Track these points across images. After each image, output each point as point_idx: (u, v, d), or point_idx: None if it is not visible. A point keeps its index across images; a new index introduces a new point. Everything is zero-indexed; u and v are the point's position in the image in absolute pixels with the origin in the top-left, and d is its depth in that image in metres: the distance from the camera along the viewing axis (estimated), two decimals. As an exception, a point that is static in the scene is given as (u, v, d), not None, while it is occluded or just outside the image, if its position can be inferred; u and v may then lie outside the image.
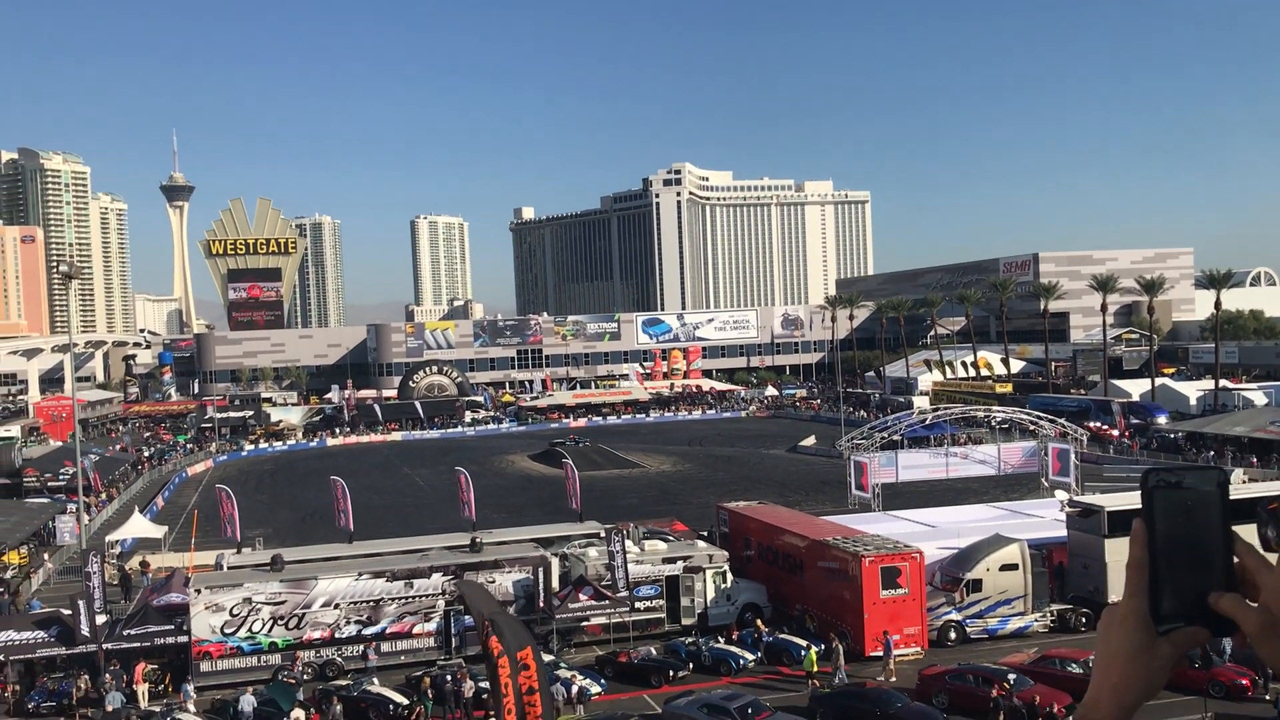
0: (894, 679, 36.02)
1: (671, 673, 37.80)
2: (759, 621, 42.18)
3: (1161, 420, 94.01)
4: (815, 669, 36.64)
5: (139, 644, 39.17)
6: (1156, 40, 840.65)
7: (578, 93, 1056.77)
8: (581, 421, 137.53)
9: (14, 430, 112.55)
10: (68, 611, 39.70)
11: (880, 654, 38.24)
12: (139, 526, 64.23)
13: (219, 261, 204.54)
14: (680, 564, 44.07)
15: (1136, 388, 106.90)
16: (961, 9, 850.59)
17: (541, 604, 41.62)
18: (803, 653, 37.80)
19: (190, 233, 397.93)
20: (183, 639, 39.28)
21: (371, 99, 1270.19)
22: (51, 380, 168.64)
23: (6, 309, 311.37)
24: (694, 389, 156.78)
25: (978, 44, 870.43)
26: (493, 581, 41.15)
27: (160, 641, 39.47)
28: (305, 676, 38.56)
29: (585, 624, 42.35)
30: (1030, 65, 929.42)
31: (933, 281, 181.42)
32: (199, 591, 39.78)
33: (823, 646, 39.34)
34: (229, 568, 44.37)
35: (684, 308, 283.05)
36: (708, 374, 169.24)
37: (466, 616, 40.35)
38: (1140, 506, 2.17)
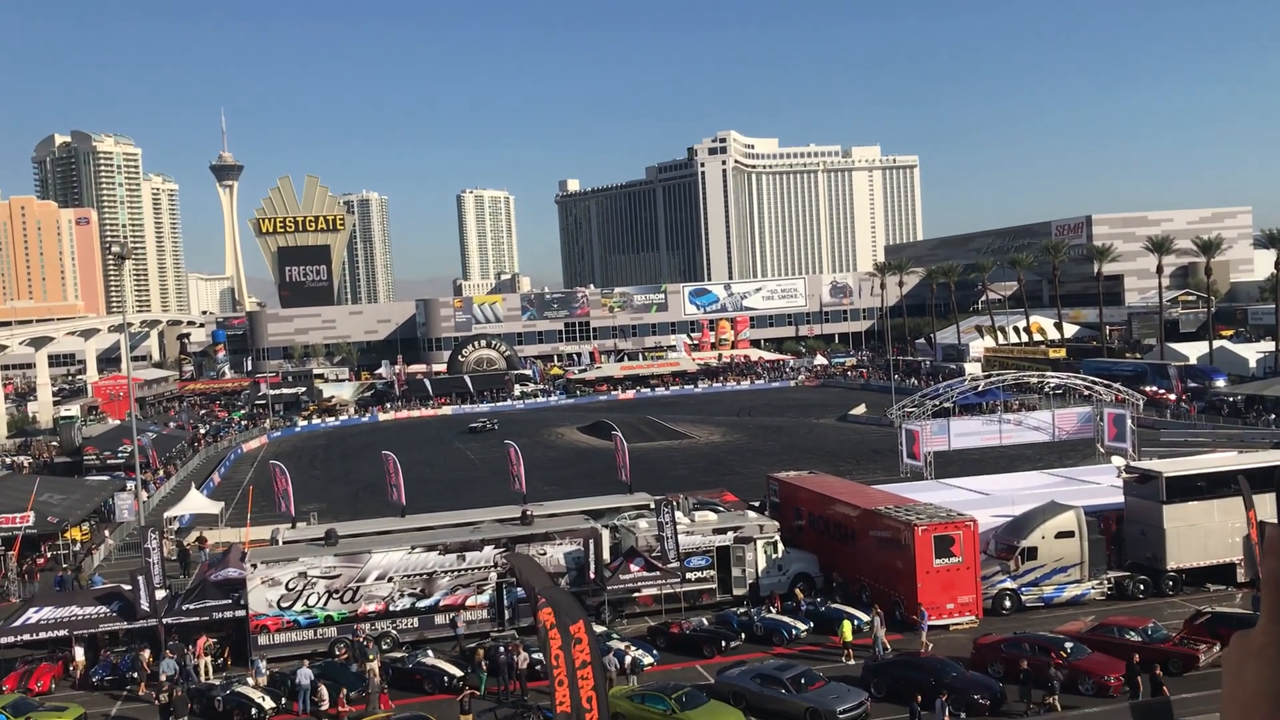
0: (928, 650, 35.67)
1: (724, 643, 37.77)
2: (797, 591, 41.99)
3: (1220, 384, 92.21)
4: (850, 639, 36.38)
5: (197, 618, 39.83)
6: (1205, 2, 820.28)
7: (621, 63, 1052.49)
8: (630, 393, 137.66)
9: (74, 409, 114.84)
10: (128, 587, 40.43)
11: (936, 622, 37.98)
12: (196, 502, 65.30)
13: (269, 240, 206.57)
14: (731, 534, 43.96)
15: (1194, 351, 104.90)
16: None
17: (593, 576, 41.72)
18: (843, 623, 37.55)
19: (240, 211, 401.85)
20: (240, 613, 39.86)
21: (416, 75, 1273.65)
22: (109, 360, 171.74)
23: (64, 290, 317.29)
24: (742, 359, 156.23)
25: (1023, 7, 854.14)
26: (544, 554, 41.29)
27: (218, 616, 40.10)
28: (369, 642, 38.97)
29: (637, 595, 42.42)
30: (1082, 23, 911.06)
31: (983, 246, 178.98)
32: (255, 566, 40.31)
33: (872, 617, 39.13)
34: (284, 542, 44.89)
35: (731, 277, 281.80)
36: (755, 344, 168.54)
37: (519, 589, 40.58)
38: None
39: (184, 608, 40.16)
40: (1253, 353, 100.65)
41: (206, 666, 37.94)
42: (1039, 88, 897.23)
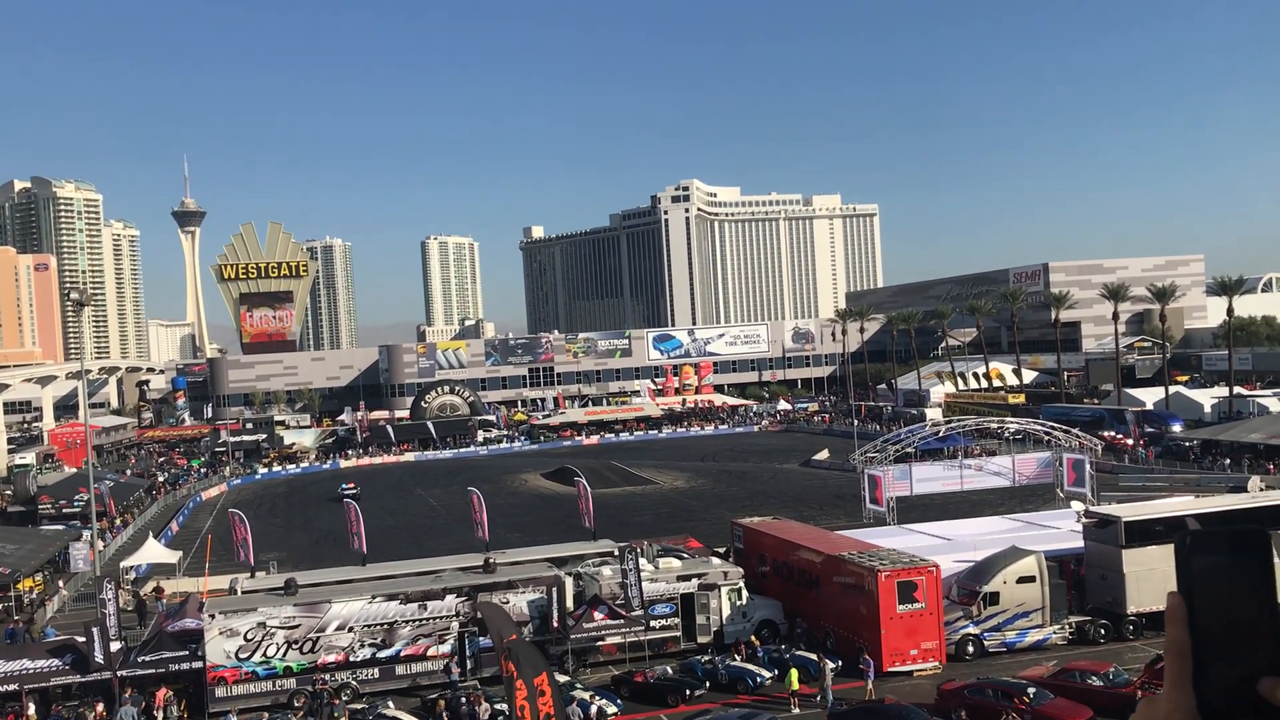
0: (872, 696, 35.64)
1: (688, 691, 37.56)
2: (753, 639, 41.84)
3: (1176, 428, 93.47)
4: (796, 688, 36.24)
5: (154, 670, 39.10)
6: (1163, 48, 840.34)
7: (585, 111, 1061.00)
8: (594, 439, 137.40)
9: (29, 457, 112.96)
10: (82, 639, 39.66)
11: (900, 668, 38.04)
12: (153, 552, 64.27)
13: (231, 286, 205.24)
14: (695, 581, 43.86)
15: (1150, 396, 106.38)
16: (967, 21, 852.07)
17: (556, 624, 41.43)
18: (790, 671, 37.33)
19: (202, 258, 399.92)
20: (198, 665, 39.21)
21: (380, 121, 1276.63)
22: (66, 407, 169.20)
23: (21, 336, 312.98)
24: (706, 404, 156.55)
25: (984, 55, 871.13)
26: (506, 602, 40.98)
27: (175, 668, 39.40)
28: (342, 699, 38.45)
29: (600, 643, 42.15)
30: (1037, 75, 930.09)
31: (943, 293, 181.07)
32: (213, 616, 39.72)
33: (839, 663, 39.10)
34: (243, 592, 44.30)
35: (694, 323, 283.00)
36: (719, 389, 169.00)
37: (481, 638, 40.24)
38: (1178, 566, 1.79)
39: (140, 659, 39.42)
40: (1208, 398, 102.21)
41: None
42: (996, 138, 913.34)
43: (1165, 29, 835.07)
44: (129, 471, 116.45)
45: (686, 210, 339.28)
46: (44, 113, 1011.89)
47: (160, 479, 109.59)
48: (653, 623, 42.53)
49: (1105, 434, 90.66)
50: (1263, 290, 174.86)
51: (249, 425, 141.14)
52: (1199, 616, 1.76)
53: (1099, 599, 42.47)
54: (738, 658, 39.95)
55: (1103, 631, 41.34)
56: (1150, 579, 41.38)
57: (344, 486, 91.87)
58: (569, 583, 43.53)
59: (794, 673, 36.76)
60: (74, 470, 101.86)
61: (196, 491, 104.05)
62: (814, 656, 39.21)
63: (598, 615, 41.73)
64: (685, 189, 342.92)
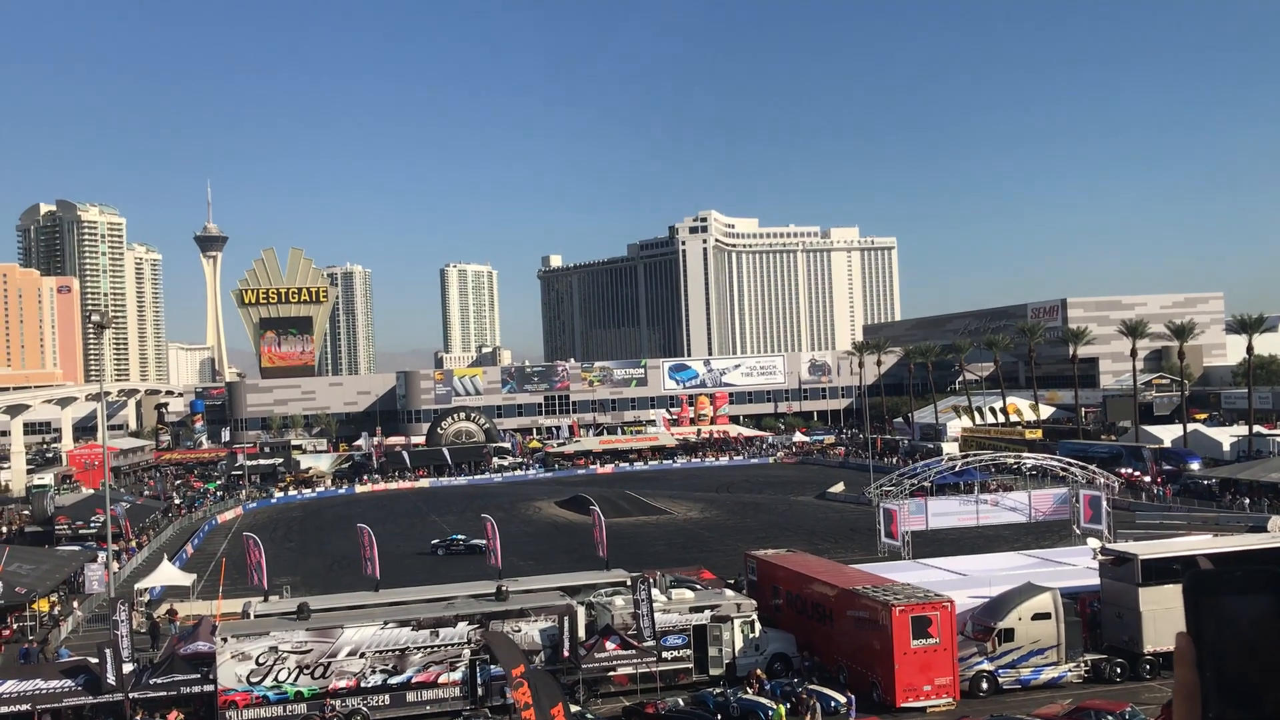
0: None
1: (699, 724, 37.32)
2: (759, 672, 41.40)
3: (1194, 466, 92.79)
4: None
5: (165, 693, 39.15)
6: (1186, 86, 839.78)
7: (605, 142, 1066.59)
8: (609, 468, 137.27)
9: (47, 478, 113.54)
10: (95, 660, 39.77)
11: (913, 704, 37.79)
12: (168, 574, 64.47)
13: (251, 311, 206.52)
14: (708, 613, 43.69)
15: (1168, 434, 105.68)
16: (985, 59, 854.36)
17: (567, 653, 41.32)
18: (778, 708, 37.02)
19: (223, 282, 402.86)
20: (209, 688, 39.23)
21: (402, 149, 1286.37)
22: (85, 428, 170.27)
23: (42, 358, 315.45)
24: (721, 435, 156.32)
25: (1005, 91, 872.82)
26: (518, 630, 40.91)
27: (186, 690, 39.43)
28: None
29: (612, 674, 41.98)
30: (1058, 112, 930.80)
31: (960, 327, 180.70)
32: (225, 640, 39.77)
33: (852, 698, 38.85)
34: (256, 616, 44.32)
35: (711, 354, 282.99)
36: (735, 420, 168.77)
37: (493, 666, 40.15)
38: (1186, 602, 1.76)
39: (151, 681, 39.47)
40: (1226, 436, 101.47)
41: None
42: (1015, 173, 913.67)
43: (1186, 68, 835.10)
44: (146, 493, 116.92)
45: (704, 241, 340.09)
46: (69, 136, 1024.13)
47: (177, 501, 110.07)
48: (665, 654, 42.34)
49: (1123, 471, 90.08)
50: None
51: (266, 449, 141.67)
52: (1208, 658, 1.74)
53: (1115, 637, 42.08)
54: (750, 690, 39.72)
55: (1119, 670, 40.95)
56: (1168, 618, 40.99)
57: (454, 538, 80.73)
58: (581, 612, 43.42)
59: (781, 709, 36.43)
60: (91, 491, 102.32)
61: (212, 514, 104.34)
62: (830, 691, 38.94)
63: (609, 645, 41.60)
64: (703, 220, 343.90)
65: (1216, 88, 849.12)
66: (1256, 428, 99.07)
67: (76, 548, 76.26)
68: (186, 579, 64.76)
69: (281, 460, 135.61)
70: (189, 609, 57.74)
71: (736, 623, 43.56)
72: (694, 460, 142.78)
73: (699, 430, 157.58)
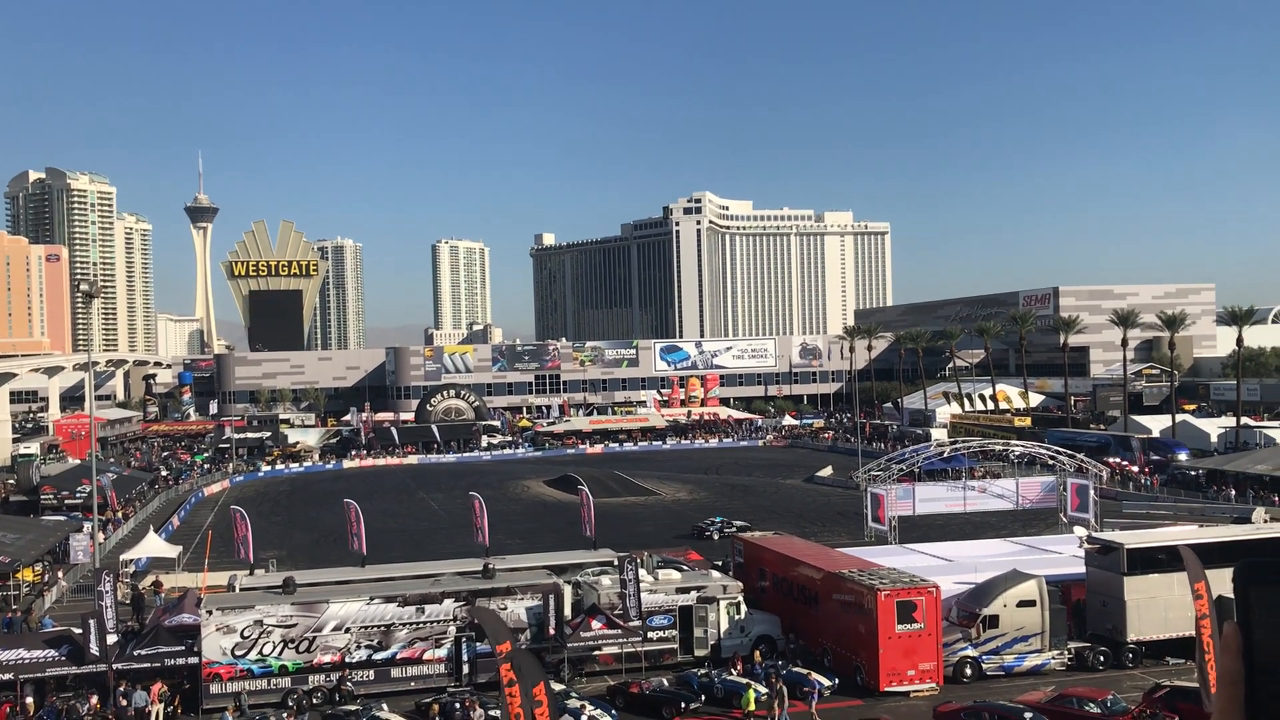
0: None
1: (683, 704, 37.40)
2: (756, 654, 41.37)
3: (1182, 457, 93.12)
4: (753, 709, 35.82)
5: (149, 664, 39.07)
6: (1181, 77, 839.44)
7: (599, 121, 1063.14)
8: (598, 448, 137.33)
9: (33, 447, 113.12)
10: (79, 630, 39.66)
11: (897, 688, 37.93)
12: (154, 546, 64.32)
13: (241, 283, 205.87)
14: (694, 594, 43.73)
15: (1157, 424, 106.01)
16: (981, 47, 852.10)
17: (553, 632, 41.34)
18: (746, 692, 36.87)
19: (213, 254, 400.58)
20: (193, 660, 39.17)
21: (396, 124, 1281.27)
22: (72, 398, 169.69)
23: (30, 326, 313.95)
24: (711, 417, 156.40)
25: (1000, 79, 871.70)
26: (504, 608, 40.88)
27: (170, 662, 39.36)
28: (316, 700, 38.50)
29: (597, 653, 42.02)
30: (1054, 100, 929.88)
31: (952, 314, 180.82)
32: (210, 613, 39.70)
33: (835, 681, 38.95)
34: (241, 589, 44.29)
35: (702, 336, 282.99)
36: (725, 402, 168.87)
37: (479, 644, 40.16)
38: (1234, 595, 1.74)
39: (135, 653, 39.40)
40: (1214, 428, 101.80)
41: (159, 714, 37.19)
42: (1009, 160, 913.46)
43: (1180, 58, 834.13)
44: (132, 465, 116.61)
45: (698, 222, 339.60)
46: (60, 105, 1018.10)
47: (163, 473, 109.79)
48: (650, 634, 42.39)
49: (1110, 460, 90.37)
50: (1273, 321, 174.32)
51: (254, 422, 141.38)
52: (1256, 647, 1.73)
53: (1099, 626, 42.25)
54: (734, 672, 39.79)
55: (1102, 659, 41.11)
56: (1151, 607, 41.18)
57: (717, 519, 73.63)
58: (568, 591, 43.45)
59: (750, 693, 36.42)
60: (77, 462, 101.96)
61: (199, 487, 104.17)
62: (818, 677, 39.00)
63: (595, 625, 41.63)
64: (697, 201, 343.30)
65: (1212, 81, 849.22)
66: (1244, 419, 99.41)
67: (62, 518, 76.00)
68: (172, 551, 64.64)
69: (269, 434, 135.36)
70: (174, 581, 57.65)
71: (722, 604, 43.62)
72: (684, 442, 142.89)
73: (689, 412, 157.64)
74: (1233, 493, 78.83)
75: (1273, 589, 1.74)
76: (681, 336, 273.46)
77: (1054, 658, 40.85)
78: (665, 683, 39.29)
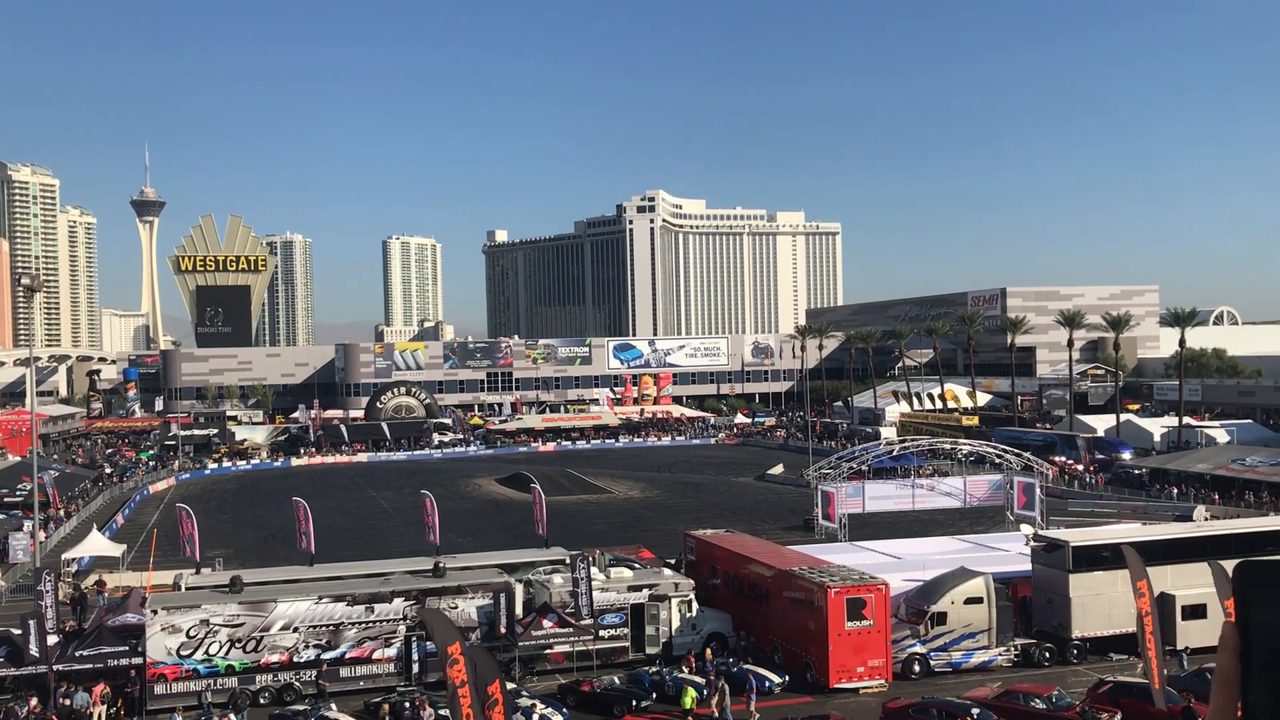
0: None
1: (635, 702, 37.42)
2: (707, 651, 41.40)
3: (1126, 456, 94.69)
4: (691, 707, 35.85)
5: (91, 665, 38.38)
6: (1121, 83, 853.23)
7: (553, 117, 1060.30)
8: (550, 446, 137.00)
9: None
10: (18, 631, 38.87)
11: (846, 685, 38.21)
12: (97, 544, 63.21)
13: (188, 278, 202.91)
14: (646, 592, 43.76)
15: (1101, 423, 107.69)
16: (929, 49, 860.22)
17: (504, 630, 41.18)
18: (686, 690, 36.81)
19: (160, 248, 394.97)
20: (137, 660, 38.55)
21: (346, 119, 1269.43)
22: (12, 394, 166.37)
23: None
24: (664, 415, 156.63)
25: (946, 83, 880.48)
26: (455, 607, 40.67)
27: (114, 663, 38.69)
28: (263, 700, 38.05)
29: (548, 652, 41.90)
30: (999, 104, 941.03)
31: (901, 313, 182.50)
32: (155, 612, 39.09)
33: (785, 677, 39.19)
34: (187, 588, 43.69)
35: (655, 334, 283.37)
36: (678, 400, 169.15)
37: (429, 643, 39.90)
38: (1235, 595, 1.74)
39: (77, 654, 38.68)
40: (1158, 427, 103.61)
41: (101, 716, 36.55)
42: (958, 162, 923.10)
43: (1119, 64, 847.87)
44: (75, 462, 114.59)
45: (651, 221, 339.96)
46: (2, 95, 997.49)
47: (107, 470, 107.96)
48: (602, 632, 42.37)
49: (1056, 459, 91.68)
50: (1214, 323, 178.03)
51: (200, 419, 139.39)
52: (1253, 647, 1.73)
53: (1045, 622, 42.85)
54: (686, 670, 39.87)
55: (1047, 655, 41.69)
56: (1096, 604, 41.83)
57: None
58: (519, 590, 43.30)
59: (690, 691, 36.49)
60: (18, 459, 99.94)
61: (144, 485, 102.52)
62: (766, 671, 39.16)
63: (547, 623, 41.52)
64: (651, 199, 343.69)
65: (1153, 86, 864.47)
66: (1186, 419, 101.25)
67: (1, 516, 74.51)
68: (116, 550, 63.58)
69: (216, 431, 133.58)
70: (118, 580, 56.74)
71: (674, 602, 43.69)
72: (636, 440, 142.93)
73: (642, 410, 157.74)
74: (1175, 491, 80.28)
75: (1271, 590, 1.74)
76: (635, 335, 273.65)
77: (1001, 654, 41.37)
78: (617, 681, 39.30)
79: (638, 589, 43.81)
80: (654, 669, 40.33)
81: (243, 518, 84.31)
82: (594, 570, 43.44)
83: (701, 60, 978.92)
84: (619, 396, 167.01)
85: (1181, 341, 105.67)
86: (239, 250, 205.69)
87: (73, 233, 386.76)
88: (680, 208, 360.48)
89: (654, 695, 38.14)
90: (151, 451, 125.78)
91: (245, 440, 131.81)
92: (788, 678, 39.23)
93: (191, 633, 38.81)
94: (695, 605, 44.22)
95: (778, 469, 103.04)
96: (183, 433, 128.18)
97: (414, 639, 40.41)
